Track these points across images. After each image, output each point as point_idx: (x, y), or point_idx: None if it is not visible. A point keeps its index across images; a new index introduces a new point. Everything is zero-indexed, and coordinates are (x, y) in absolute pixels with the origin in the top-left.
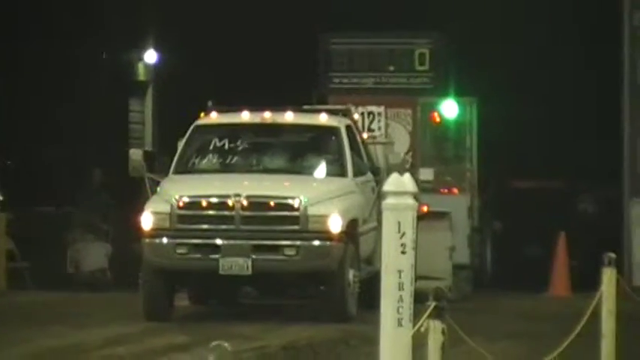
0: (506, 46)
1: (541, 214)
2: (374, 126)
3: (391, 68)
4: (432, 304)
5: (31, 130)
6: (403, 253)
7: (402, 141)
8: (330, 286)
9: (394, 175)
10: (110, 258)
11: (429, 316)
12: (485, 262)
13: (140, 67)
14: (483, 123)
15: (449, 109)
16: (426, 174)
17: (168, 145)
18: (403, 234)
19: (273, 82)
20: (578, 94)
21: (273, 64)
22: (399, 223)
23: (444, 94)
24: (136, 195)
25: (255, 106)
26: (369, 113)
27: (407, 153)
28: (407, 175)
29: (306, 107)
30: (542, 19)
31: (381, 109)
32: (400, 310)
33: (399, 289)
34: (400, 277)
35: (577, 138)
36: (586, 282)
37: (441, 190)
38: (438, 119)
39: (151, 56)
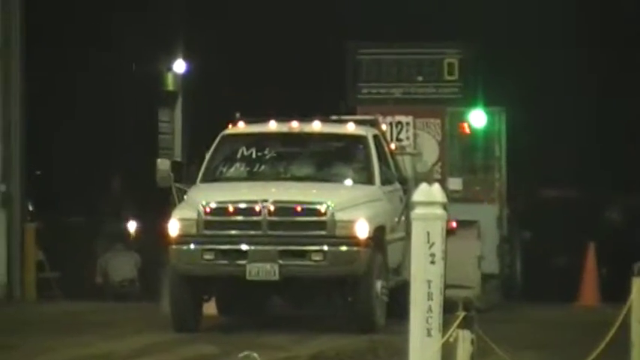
0: (534, 55)
1: (570, 223)
2: (402, 136)
3: (420, 78)
4: (461, 314)
5: (61, 140)
6: (432, 263)
7: (431, 151)
8: (357, 294)
9: (423, 186)
10: (139, 268)
11: (458, 326)
12: (514, 272)
13: (169, 77)
14: (512, 132)
15: (477, 118)
16: (455, 184)
17: (197, 156)
18: (432, 244)
19: (301, 93)
20: (607, 101)
21: (302, 75)
22: (428, 233)
23: (473, 103)
24: (163, 205)
25: (283, 117)
26: (398, 123)
27: (436, 163)
28: (436, 186)
29: (333, 117)
30: (570, 26)
31: (410, 118)
32: (429, 320)
33: (428, 299)
34: (429, 287)
35: (605, 145)
36: (615, 291)
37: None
38: (467, 130)
39: (180, 66)
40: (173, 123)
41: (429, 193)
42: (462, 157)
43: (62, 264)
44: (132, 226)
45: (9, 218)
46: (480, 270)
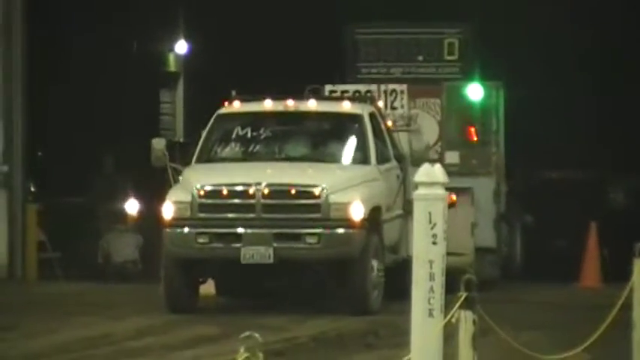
0: (534, 31)
1: (571, 204)
2: (397, 104)
3: (420, 58)
4: (463, 294)
5: (62, 121)
6: (434, 243)
7: (431, 131)
8: (352, 276)
9: (425, 166)
10: (140, 249)
11: (460, 307)
12: (514, 251)
13: (171, 57)
14: (511, 109)
15: (474, 91)
16: (452, 157)
17: (198, 136)
18: (434, 225)
19: (300, 71)
20: (608, 79)
21: (301, 54)
22: (429, 213)
23: (472, 80)
24: (162, 185)
25: (280, 96)
26: (392, 91)
27: (436, 143)
28: (437, 166)
29: (329, 86)
30: (573, 5)
31: (404, 87)
32: (431, 300)
33: (430, 280)
34: (431, 267)
35: (607, 125)
36: (617, 272)
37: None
38: (474, 137)
39: (181, 47)
40: (174, 104)
41: (430, 173)
42: (459, 131)
43: (64, 244)
44: (131, 206)
45: (10, 199)
46: (474, 237)
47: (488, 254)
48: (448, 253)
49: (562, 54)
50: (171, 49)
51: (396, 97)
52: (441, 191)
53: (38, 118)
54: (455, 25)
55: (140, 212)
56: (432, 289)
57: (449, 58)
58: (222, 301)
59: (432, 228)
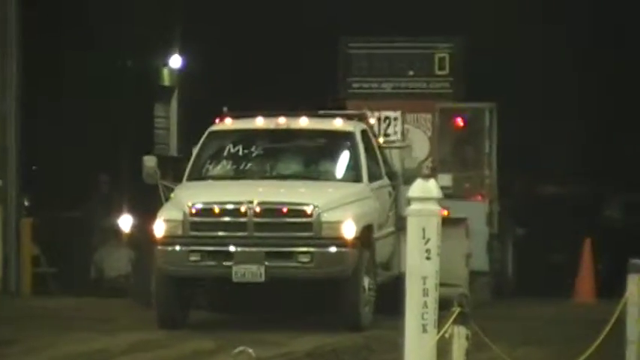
0: (526, 49)
1: (566, 220)
2: (390, 131)
3: (411, 73)
4: (457, 310)
5: (56, 135)
6: (428, 259)
7: (421, 146)
8: (344, 294)
9: (419, 181)
10: (133, 264)
11: (454, 322)
12: (505, 269)
13: (165, 72)
14: (504, 128)
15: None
16: (444, 180)
17: (190, 153)
18: (428, 240)
19: (293, 86)
20: (603, 95)
21: (296, 70)
22: (423, 229)
23: (464, 98)
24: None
25: (274, 111)
26: (385, 118)
27: (426, 158)
28: (432, 181)
29: (321, 112)
30: (562, 20)
31: (398, 113)
32: (425, 315)
33: (424, 295)
34: (425, 283)
35: (601, 141)
36: (611, 288)
37: (466, 196)
38: (461, 124)
39: (175, 61)
40: (169, 118)
41: (424, 188)
42: (451, 153)
43: (58, 259)
44: (125, 221)
45: (5, 213)
46: (468, 268)
47: (481, 277)
48: (441, 284)
49: (556, 67)
50: (166, 64)
51: (389, 124)
52: (434, 207)
53: (32, 133)
54: (446, 39)
55: (133, 228)
56: (425, 305)
57: (440, 72)
58: (216, 316)
59: (425, 243)
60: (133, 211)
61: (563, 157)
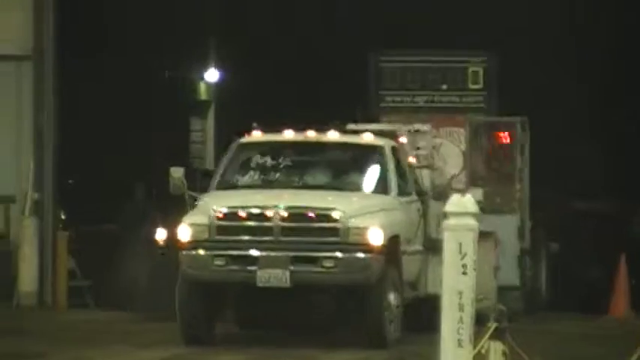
0: (559, 65)
1: (600, 236)
2: (421, 144)
3: (444, 87)
4: (493, 325)
5: (93, 148)
6: (464, 274)
7: (455, 160)
8: (368, 303)
9: (455, 196)
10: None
11: (490, 337)
12: (539, 285)
13: (202, 86)
14: (537, 142)
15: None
16: (475, 194)
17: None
18: (464, 255)
19: (326, 99)
20: (633, 112)
21: (330, 83)
22: (460, 244)
23: (497, 113)
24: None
25: (303, 126)
26: (416, 131)
27: (460, 172)
28: (468, 196)
29: (351, 126)
30: (596, 35)
31: (428, 127)
32: (460, 330)
33: (459, 310)
34: (460, 298)
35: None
36: None
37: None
38: (506, 140)
39: (212, 75)
40: (205, 132)
41: (460, 203)
42: (484, 167)
43: (94, 272)
44: (161, 233)
45: (41, 226)
46: (496, 281)
47: (512, 291)
48: None
49: (590, 83)
50: (202, 78)
51: (420, 137)
52: (471, 221)
53: (69, 146)
54: (479, 53)
55: (168, 240)
56: (461, 320)
57: (473, 87)
58: (244, 332)
59: (461, 258)
60: (166, 223)
61: (596, 171)
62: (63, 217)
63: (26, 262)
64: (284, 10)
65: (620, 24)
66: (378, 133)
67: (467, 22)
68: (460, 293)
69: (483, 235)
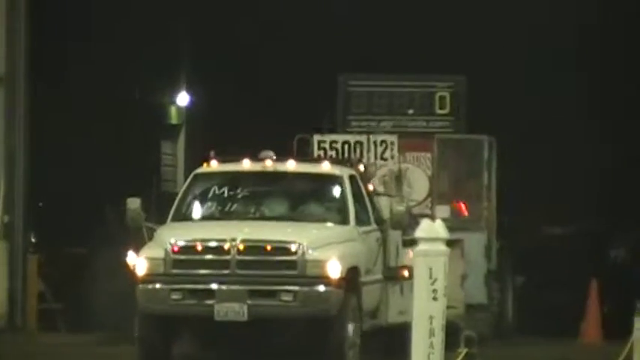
0: (528, 84)
1: (570, 260)
2: (387, 155)
3: (410, 111)
4: (463, 350)
5: (63, 172)
6: (435, 299)
7: (421, 186)
8: (328, 336)
9: (425, 221)
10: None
11: None
12: (505, 309)
13: (172, 109)
14: (507, 166)
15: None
16: (442, 211)
17: (175, 195)
18: (435, 280)
19: (295, 120)
20: (606, 132)
21: (296, 104)
22: (430, 269)
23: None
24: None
25: (259, 157)
26: (382, 142)
27: (426, 198)
28: (438, 221)
29: (317, 137)
30: (564, 54)
31: (394, 137)
32: (431, 356)
33: (431, 336)
34: (431, 323)
35: (608, 178)
36: (618, 329)
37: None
38: (465, 212)
39: (183, 99)
40: (176, 155)
41: (431, 229)
42: (450, 186)
43: (64, 295)
44: (131, 257)
45: (11, 249)
46: (464, 290)
47: (479, 311)
48: None
49: (557, 106)
50: (173, 101)
51: (386, 148)
52: (442, 247)
53: (39, 169)
54: (446, 78)
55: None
56: (432, 345)
57: (440, 111)
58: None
59: (432, 283)
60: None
61: (567, 195)
62: (33, 239)
63: None
64: (255, 34)
65: (591, 45)
66: (336, 161)
67: (435, 46)
68: (431, 318)
69: (450, 243)
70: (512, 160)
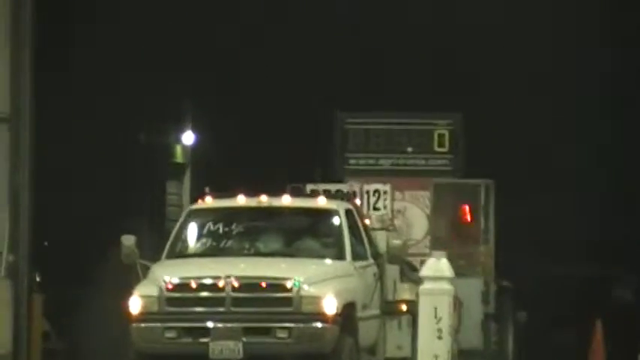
0: (526, 127)
1: (575, 301)
2: (379, 204)
3: (409, 149)
4: None
5: (69, 212)
6: (439, 338)
7: (419, 224)
8: None
9: (431, 260)
10: None
11: None
12: (505, 351)
13: (178, 149)
14: (507, 205)
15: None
16: (438, 257)
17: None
18: (440, 319)
19: (301, 164)
20: (605, 173)
21: (301, 147)
22: (435, 308)
23: (463, 175)
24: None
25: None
26: (375, 191)
27: (425, 237)
28: (444, 260)
29: (310, 186)
30: (562, 94)
31: (387, 187)
32: None
33: None
34: None
35: (611, 221)
36: None
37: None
38: (468, 218)
39: (188, 138)
40: (181, 195)
41: (436, 267)
42: (447, 230)
43: (69, 336)
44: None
45: (16, 288)
46: (456, 343)
47: (474, 356)
48: None
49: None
50: (178, 141)
51: (379, 198)
52: (447, 286)
53: (45, 208)
54: (445, 116)
55: None
56: None
57: (439, 149)
58: None
59: (437, 322)
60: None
61: (570, 235)
62: (38, 279)
63: (1, 323)
64: (257, 71)
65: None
66: (332, 196)
67: (433, 84)
68: (436, 357)
69: None
70: (513, 199)
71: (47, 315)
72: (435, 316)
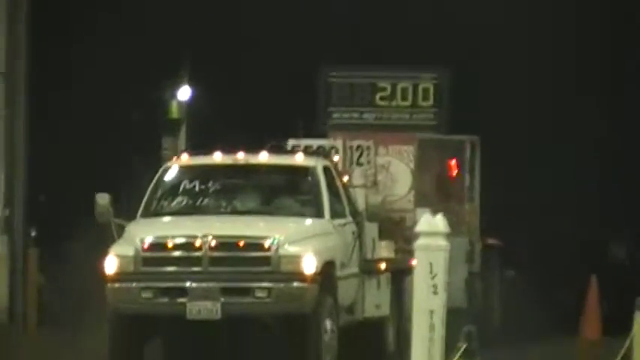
0: (515, 83)
1: (569, 257)
2: (363, 160)
3: (393, 103)
4: (463, 345)
5: (64, 166)
6: (435, 293)
7: (403, 179)
8: (304, 334)
9: (426, 216)
10: None
11: (460, 358)
12: (490, 309)
13: (174, 104)
14: (492, 162)
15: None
16: (421, 215)
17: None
18: (435, 275)
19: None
20: (605, 126)
21: (289, 100)
22: (430, 264)
23: (448, 131)
24: None
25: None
26: (358, 147)
27: (409, 192)
28: (439, 216)
29: (292, 142)
30: (552, 51)
31: (370, 142)
32: (432, 350)
33: (430, 330)
34: (432, 318)
35: (607, 176)
36: (617, 326)
37: None
38: (455, 171)
39: (184, 93)
40: (177, 151)
41: (432, 223)
42: (432, 187)
43: (64, 289)
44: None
45: (11, 243)
46: None
47: (458, 314)
48: None
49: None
50: (174, 96)
51: (362, 153)
52: (442, 242)
53: (40, 163)
54: (430, 70)
55: None
56: (431, 340)
57: (423, 104)
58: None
59: (432, 278)
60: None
61: (561, 191)
62: (33, 233)
63: None
64: (252, 28)
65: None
66: (312, 152)
67: (418, 38)
68: (431, 313)
69: None
70: (498, 157)
71: (42, 269)
72: (431, 272)
